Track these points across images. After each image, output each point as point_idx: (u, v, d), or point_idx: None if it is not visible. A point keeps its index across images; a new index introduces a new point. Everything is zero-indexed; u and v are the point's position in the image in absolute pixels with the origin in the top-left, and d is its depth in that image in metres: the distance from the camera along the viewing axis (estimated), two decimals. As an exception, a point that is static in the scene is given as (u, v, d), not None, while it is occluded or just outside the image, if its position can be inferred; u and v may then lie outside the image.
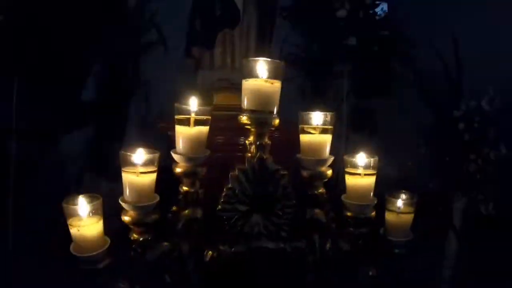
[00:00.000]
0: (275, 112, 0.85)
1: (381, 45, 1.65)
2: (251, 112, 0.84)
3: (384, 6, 2.51)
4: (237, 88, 1.43)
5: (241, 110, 0.88)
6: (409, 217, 0.96)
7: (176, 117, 0.86)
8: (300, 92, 2.14)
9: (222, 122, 1.28)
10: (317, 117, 0.89)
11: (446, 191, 1.34)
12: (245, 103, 0.85)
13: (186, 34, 1.55)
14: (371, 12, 1.65)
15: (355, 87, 1.93)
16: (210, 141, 0.91)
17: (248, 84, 0.84)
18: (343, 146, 1.89)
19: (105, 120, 2.16)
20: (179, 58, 2.18)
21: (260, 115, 0.83)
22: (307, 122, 0.90)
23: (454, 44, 1.57)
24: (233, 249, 0.91)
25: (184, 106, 0.84)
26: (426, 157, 1.41)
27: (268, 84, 0.83)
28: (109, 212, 2.11)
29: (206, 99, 1.42)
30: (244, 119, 0.85)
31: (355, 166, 0.91)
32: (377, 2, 1.73)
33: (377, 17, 1.86)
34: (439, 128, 1.41)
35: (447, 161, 1.32)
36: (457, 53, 1.56)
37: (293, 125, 1.00)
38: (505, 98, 1.54)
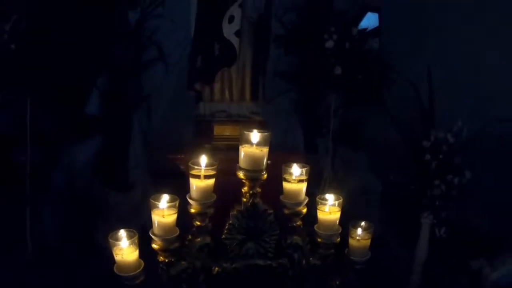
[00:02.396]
0: (263, 171, 1.31)
1: (365, 73, 2.07)
2: (246, 170, 1.30)
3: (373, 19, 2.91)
4: (235, 120, 1.89)
5: (238, 144, 1.33)
6: (367, 242, 1.45)
7: (190, 172, 1.32)
8: (293, 104, 2.59)
9: (221, 152, 1.76)
10: (296, 170, 1.35)
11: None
12: (241, 163, 1.31)
13: (188, 71, 1.97)
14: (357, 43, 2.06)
15: (343, 103, 2.38)
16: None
17: (244, 149, 1.30)
18: (329, 162, 2.36)
19: (110, 132, 2.61)
20: (179, 72, 2.61)
21: (252, 173, 1.30)
22: (288, 172, 1.36)
23: (428, 75, 2.00)
24: (233, 266, 1.41)
25: (196, 167, 1.31)
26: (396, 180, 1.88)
27: (258, 151, 1.29)
28: (117, 218, 2.65)
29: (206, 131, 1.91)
30: (241, 175, 1.32)
31: (325, 205, 1.38)
32: (365, 31, 2.13)
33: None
34: (408, 155, 1.86)
35: (413, 188, 1.79)
36: (431, 83, 1.99)
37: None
38: (475, 125, 1.99)
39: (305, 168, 1.36)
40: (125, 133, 2.65)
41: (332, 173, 2.34)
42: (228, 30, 1.88)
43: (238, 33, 1.88)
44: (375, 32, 2.96)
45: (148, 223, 2.32)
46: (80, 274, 2.09)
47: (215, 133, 1.86)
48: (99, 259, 2.16)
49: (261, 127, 1.91)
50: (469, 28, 2.41)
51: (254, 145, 1.29)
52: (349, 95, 2.16)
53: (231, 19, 1.90)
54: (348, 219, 1.50)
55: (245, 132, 1.29)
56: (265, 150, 1.31)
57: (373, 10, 2.97)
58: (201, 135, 1.91)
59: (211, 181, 1.34)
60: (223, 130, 1.87)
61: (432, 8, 2.64)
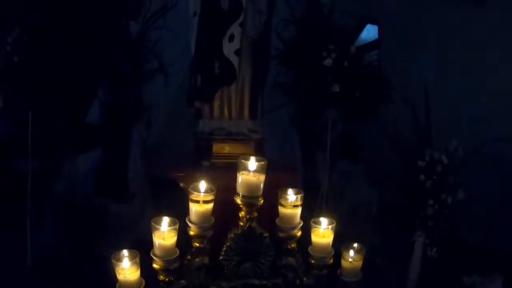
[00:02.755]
0: (260, 197, 1.39)
1: (363, 91, 2.14)
2: (243, 197, 1.39)
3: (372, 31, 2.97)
4: (234, 139, 1.97)
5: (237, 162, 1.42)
6: (359, 263, 1.54)
7: (190, 196, 1.41)
8: (291, 117, 2.66)
9: (220, 170, 1.85)
10: (291, 196, 1.44)
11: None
12: (239, 190, 1.39)
13: (188, 89, 2.04)
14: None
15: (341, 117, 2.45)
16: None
17: (241, 176, 1.39)
18: (327, 175, 2.44)
19: (110, 142, 2.69)
20: (179, 84, 2.68)
21: (249, 199, 1.39)
22: (283, 198, 1.45)
23: (425, 95, 2.07)
24: (230, 285, 1.50)
25: (195, 192, 1.39)
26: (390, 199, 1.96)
27: (255, 178, 1.37)
28: (117, 228, 2.74)
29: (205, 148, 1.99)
30: (238, 200, 1.40)
31: (318, 228, 1.47)
32: (364, 48, 2.20)
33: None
34: (402, 175, 1.94)
35: (407, 206, 1.87)
36: (428, 103, 2.06)
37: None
38: (469, 145, 2.07)
39: (300, 195, 1.45)
40: (125, 144, 2.73)
41: (329, 186, 2.42)
42: (228, 49, 1.96)
43: (238, 52, 1.96)
44: (374, 44, 3.03)
45: (147, 234, 2.44)
46: (80, 285, 2.18)
47: (214, 151, 1.95)
48: (99, 270, 2.27)
49: (259, 144, 2.02)
50: (467, 45, 2.49)
51: (251, 172, 1.38)
52: (347, 111, 2.24)
53: (231, 38, 1.98)
54: (344, 233, 1.59)
55: (242, 160, 1.38)
56: (262, 177, 1.39)
57: (372, 22, 3.04)
58: (200, 152, 2.00)
59: (210, 206, 1.42)
60: (222, 148, 1.95)
61: (430, 23, 2.72)
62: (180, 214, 1.61)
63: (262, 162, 1.38)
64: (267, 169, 1.43)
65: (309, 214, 1.62)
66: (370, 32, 3.11)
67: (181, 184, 1.89)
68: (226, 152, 1.94)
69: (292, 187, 1.53)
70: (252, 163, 1.37)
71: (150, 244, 1.59)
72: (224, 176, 1.79)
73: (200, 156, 1.97)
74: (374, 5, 2.94)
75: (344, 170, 2.47)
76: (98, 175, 2.71)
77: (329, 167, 2.44)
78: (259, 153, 1.98)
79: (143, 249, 1.73)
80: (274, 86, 2.46)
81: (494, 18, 2.63)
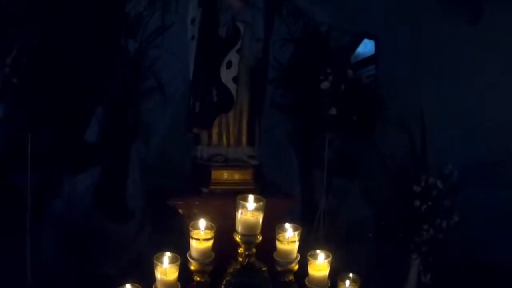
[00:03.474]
0: (258, 235, 1.45)
1: (360, 114, 2.20)
2: (242, 235, 1.44)
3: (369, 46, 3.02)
4: (232, 165, 2.02)
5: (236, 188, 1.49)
6: (354, 293, 1.60)
7: (191, 234, 1.46)
8: (288, 136, 2.71)
9: (219, 197, 1.90)
10: (289, 232, 1.49)
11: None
12: (238, 228, 1.45)
13: (186, 115, 2.07)
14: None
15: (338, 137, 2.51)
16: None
17: (240, 215, 1.44)
18: (324, 193, 2.50)
19: (109, 161, 2.73)
20: (177, 102, 2.72)
21: (247, 237, 1.45)
22: (281, 234, 1.50)
23: (421, 120, 2.12)
24: (229, 313, 1.56)
25: (195, 230, 1.44)
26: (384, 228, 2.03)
27: (253, 218, 1.42)
28: (116, 246, 2.79)
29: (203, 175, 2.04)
30: (237, 238, 1.46)
31: (315, 262, 1.53)
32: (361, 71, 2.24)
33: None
34: (397, 199, 2.00)
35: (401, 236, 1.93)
36: (424, 128, 2.11)
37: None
38: (464, 169, 2.12)
39: (298, 231, 1.50)
40: (123, 162, 2.78)
41: (327, 205, 2.48)
42: (226, 76, 1.98)
43: (235, 79, 1.98)
44: (371, 59, 3.08)
45: (145, 252, 2.49)
46: None
47: (212, 177, 1.98)
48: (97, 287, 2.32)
49: (257, 171, 2.06)
50: (465, 67, 2.54)
51: (249, 211, 1.43)
52: (344, 133, 2.29)
53: (229, 65, 2.00)
54: (340, 255, 1.65)
55: (241, 201, 1.43)
56: (260, 216, 1.44)
57: (369, 37, 3.08)
58: (198, 178, 2.04)
59: (210, 242, 1.48)
60: (220, 175, 1.99)
61: (426, 42, 2.76)
62: (179, 242, 1.68)
63: (261, 203, 1.43)
64: (266, 193, 1.49)
65: (307, 234, 1.68)
66: (367, 47, 3.16)
67: (180, 211, 1.94)
68: (225, 178, 1.98)
69: (290, 216, 1.59)
70: (251, 203, 1.42)
71: (148, 262, 1.65)
72: (223, 203, 1.86)
73: (198, 182, 2.01)
74: (371, 22, 2.98)
75: (341, 188, 2.53)
76: (96, 193, 2.76)
77: (326, 185, 2.51)
78: (258, 179, 2.04)
79: (140, 267, 1.78)
80: (271, 105, 2.51)
81: (489, 37, 2.68)
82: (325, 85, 2.19)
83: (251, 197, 1.46)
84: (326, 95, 2.21)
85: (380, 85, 2.50)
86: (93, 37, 2.96)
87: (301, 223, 2.48)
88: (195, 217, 1.85)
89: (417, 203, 1.95)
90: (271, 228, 1.56)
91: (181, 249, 1.59)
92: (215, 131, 2.05)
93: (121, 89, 2.71)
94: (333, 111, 2.20)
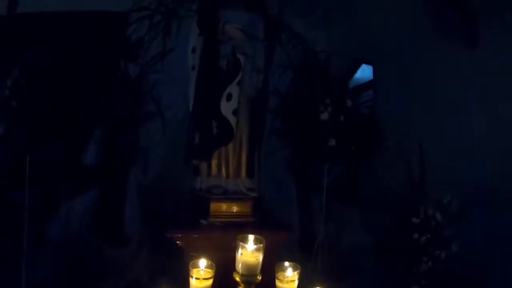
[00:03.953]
0: (258, 275, 1.45)
1: (359, 144, 2.21)
2: (242, 275, 1.44)
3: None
4: (231, 198, 2.02)
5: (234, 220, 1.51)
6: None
7: (190, 273, 1.46)
8: (286, 161, 2.72)
9: (218, 229, 1.90)
10: (289, 272, 1.49)
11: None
12: (238, 268, 1.45)
13: (185, 146, 2.08)
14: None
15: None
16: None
17: (240, 255, 1.44)
18: (323, 219, 2.49)
19: (107, 184, 2.72)
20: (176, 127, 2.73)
21: (247, 277, 1.45)
22: (281, 273, 1.51)
23: (420, 152, 2.14)
24: None
25: (195, 269, 1.44)
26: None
27: (253, 258, 1.42)
28: (113, 270, 2.77)
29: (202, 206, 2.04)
30: (237, 278, 1.46)
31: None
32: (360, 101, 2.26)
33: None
34: (396, 230, 2.01)
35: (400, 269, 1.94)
36: (423, 161, 2.13)
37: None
38: (464, 199, 2.14)
39: (297, 270, 1.50)
40: (121, 186, 2.76)
41: (326, 233, 2.47)
42: (226, 108, 2.01)
43: (235, 112, 2.01)
44: (369, 84, 3.11)
45: (142, 277, 2.46)
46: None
47: (211, 210, 1.98)
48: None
49: (257, 203, 2.07)
50: (463, 93, 2.57)
51: (249, 252, 1.43)
52: (343, 161, 2.30)
53: (229, 97, 2.02)
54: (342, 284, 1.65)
55: (241, 242, 1.44)
56: (260, 257, 1.45)
57: (367, 62, 3.11)
58: (197, 209, 2.04)
59: (210, 281, 1.48)
60: (219, 207, 1.99)
61: (425, 68, 2.79)
62: (177, 274, 1.67)
63: (261, 244, 1.44)
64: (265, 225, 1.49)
65: (306, 262, 1.67)
66: (365, 72, 3.19)
67: (179, 243, 1.94)
68: (224, 210, 1.98)
69: (288, 245, 1.59)
70: (251, 245, 1.43)
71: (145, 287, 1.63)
72: (222, 236, 1.86)
73: (197, 214, 2.02)
74: (369, 47, 3.02)
75: (340, 215, 2.53)
76: (94, 217, 2.75)
77: (325, 213, 2.51)
78: (257, 211, 2.04)
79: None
80: (270, 131, 2.53)
81: (487, 63, 2.71)
82: (324, 116, 2.21)
83: (251, 238, 1.46)
84: (325, 126, 2.24)
85: (378, 111, 2.52)
86: (93, 60, 2.99)
87: (300, 252, 2.52)
88: (193, 249, 1.87)
89: (416, 235, 1.96)
90: (270, 263, 1.58)
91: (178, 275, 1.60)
92: (214, 162, 2.06)
93: (121, 112, 2.72)
94: (332, 142, 2.21)
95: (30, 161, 2.47)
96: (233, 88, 2.01)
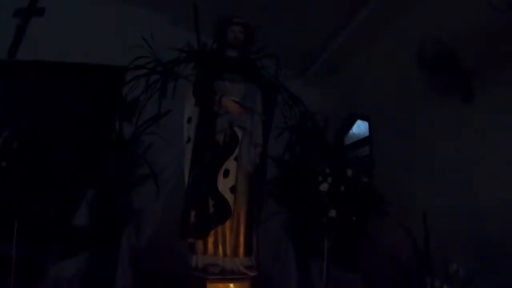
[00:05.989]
0: None
1: (359, 214, 2.09)
2: None
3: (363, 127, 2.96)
4: (229, 278, 1.87)
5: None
6: None
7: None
8: (284, 226, 2.58)
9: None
10: None
11: None
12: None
13: (181, 223, 1.94)
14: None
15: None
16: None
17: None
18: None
19: (97, 248, 2.55)
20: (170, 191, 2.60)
21: None
22: None
23: (424, 221, 2.02)
24: None
25: None
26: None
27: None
28: None
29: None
30: None
31: None
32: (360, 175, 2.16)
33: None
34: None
35: None
36: (427, 232, 2.01)
37: None
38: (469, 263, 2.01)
39: None
40: (112, 250, 2.59)
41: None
42: (223, 185, 1.89)
43: (233, 189, 1.89)
44: (365, 140, 3.03)
45: None
46: None
47: (209, 293, 1.84)
48: None
49: (255, 282, 1.92)
50: (460, 149, 2.48)
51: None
52: (343, 230, 2.18)
53: (226, 174, 1.91)
54: None
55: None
56: None
57: (362, 118, 3.04)
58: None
59: None
60: (216, 288, 1.85)
61: (421, 123, 2.71)
62: None
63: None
64: None
65: None
66: (360, 128, 3.12)
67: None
68: (220, 295, 1.84)
69: None
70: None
71: None
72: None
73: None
74: (363, 103, 2.94)
75: (342, 283, 2.39)
76: (83, 281, 2.57)
77: (325, 280, 2.36)
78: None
79: None
80: (268, 196, 2.40)
81: (484, 118, 2.62)
82: (324, 187, 2.10)
83: None
84: (325, 196, 2.12)
85: (376, 176, 2.42)
86: (88, 120, 2.88)
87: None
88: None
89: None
90: None
91: None
92: (211, 240, 1.91)
93: (114, 173, 2.58)
94: (333, 213, 2.09)
95: (19, 221, 2.34)
96: (230, 164, 1.90)
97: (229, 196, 1.85)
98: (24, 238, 2.39)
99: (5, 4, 3.65)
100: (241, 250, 1.90)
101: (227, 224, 1.89)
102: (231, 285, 1.86)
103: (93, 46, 3.39)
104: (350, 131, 3.01)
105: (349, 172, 2.15)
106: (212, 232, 1.89)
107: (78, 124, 2.77)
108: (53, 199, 2.52)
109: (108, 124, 2.69)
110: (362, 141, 2.96)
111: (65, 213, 2.65)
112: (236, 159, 1.90)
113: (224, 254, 1.89)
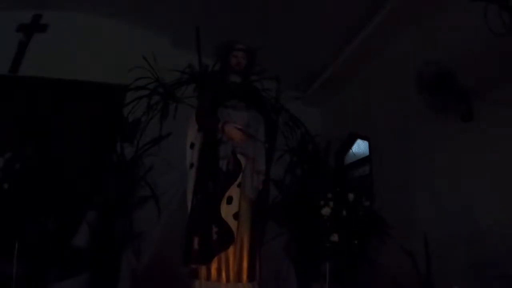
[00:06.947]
0: None
1: (361, 238, 2.09)
2: None
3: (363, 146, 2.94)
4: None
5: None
6: None
7: None
8: (286, 247, 2.56)
9: None
10: None
11: None
12: None
13: (184, 249, 1.92)
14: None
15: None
16: None
17: None
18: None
19: (97, 269, 2.51)
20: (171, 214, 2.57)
21: None
22: None
23: (425, 245, 2.02)
24: None
25: None
26: None
27: None
28: None
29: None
30: None
31: None
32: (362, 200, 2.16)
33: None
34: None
35: None
36: (428, 253, 2.01)
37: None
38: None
39: None
40: (113, 271, 2.56)
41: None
42: (226, 212, 1.86)
43: (236, 216, 1.86)
44: (365, 160, 3.03)
45: None
46: None
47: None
48: None
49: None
50: (460, 169, 2.48)
51: None
52: (345, 254, 2.17)
53: (229, 200, 1.89)
54: None
55: None
56: None
57: (362, 137, 3.05)
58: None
59: None
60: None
61: (420, 143, 2.71)
62: None
63: None
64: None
65: None
66: (360, 148, 3.12)
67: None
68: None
69: None
70: None
71: None
72: None
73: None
74: (363, 123, 2.95)
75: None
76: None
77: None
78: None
79: None
80: (269, 218, 2.39)
81: (484, 138, 2.61)
82: (325, 211, 2.10)
83: None
84: (327, 221, 2.12)
85: (377, 200, 2.41)
86: (89, 142, 2.86)
87: None
88: None
89: None
90: None
91: None
92: (214, 266, 1.87)
93: (115, 194, 2.55)
94: (335, 237, 2.09)
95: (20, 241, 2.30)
96: (233, 191, 1.87)
97: (232, 223, 1.83)
98: (25, 258, 2.37)
99: (8, 20, 3.65)
100: (244, 276, 1.87)
101: (231, 250, 1.86)
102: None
103: (94, 65, 3.40)
104: (350, 151, 3.01)
105: (351, 196, 2.15)
106: (216, 258, 1.87)
107: (79, 144, 2.76)
108: (53, 220, 2.50)
109: (109, 145, 2.68)
110: (362, 161, 2.96)
111: (65, 234, 2.63)
112: (239, 185, 1.88)
113: (227, 280, 1.86)
